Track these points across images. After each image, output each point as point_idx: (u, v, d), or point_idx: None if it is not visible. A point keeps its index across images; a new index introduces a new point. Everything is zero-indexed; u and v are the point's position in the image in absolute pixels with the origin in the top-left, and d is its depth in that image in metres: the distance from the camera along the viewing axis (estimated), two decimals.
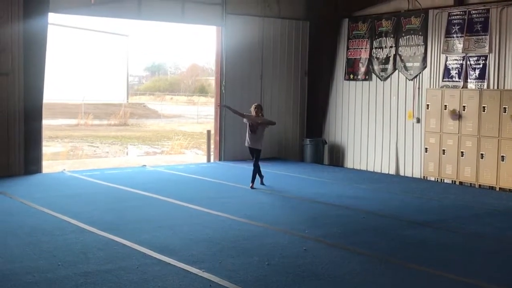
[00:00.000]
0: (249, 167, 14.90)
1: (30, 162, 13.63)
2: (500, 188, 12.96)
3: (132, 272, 6.74)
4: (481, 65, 13.52)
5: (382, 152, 15.81)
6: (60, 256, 7.31)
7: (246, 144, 12.40)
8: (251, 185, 12.21)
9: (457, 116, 13.45)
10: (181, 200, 10.84)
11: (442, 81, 14.31)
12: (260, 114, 12.27)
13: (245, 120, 12.36)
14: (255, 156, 12.28)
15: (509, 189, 12.81)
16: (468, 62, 13.77)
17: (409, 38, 15.04)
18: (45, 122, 17.04)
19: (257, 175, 12.39)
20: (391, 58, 15.46)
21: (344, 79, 16.77)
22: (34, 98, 13.60)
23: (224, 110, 15.98)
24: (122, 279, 6.50)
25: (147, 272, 6.75)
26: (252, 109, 12.32)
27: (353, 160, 16.62)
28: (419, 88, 14.85)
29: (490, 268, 7.35)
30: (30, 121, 13.57)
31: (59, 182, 12.88)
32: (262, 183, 12.49)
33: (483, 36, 13.45)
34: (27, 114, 13.52)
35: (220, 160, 16.42)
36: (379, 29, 15.77)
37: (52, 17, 13.94)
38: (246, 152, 16.14)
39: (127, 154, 22.76)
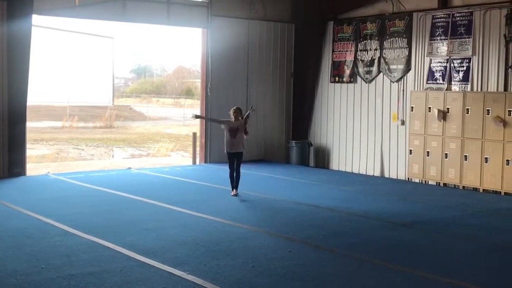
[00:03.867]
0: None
1: (14, 165, 13.54)
2: (483, 189, 13.05)
3: (116, 275, 6.71)
4: (464, 68, 13.62)
5: (367, 154, 15.87)
6: (44, 259, 7.27)
7: (227, 150, 11.68)
8: (233, 192, 11.65)
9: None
10: (166, 203, 10.81)
11: (426, 83, 14.40)
12: (240, 118, 11.66)
13: (223, 126, 11.80)
14: (237, 160, 11.63)
15: (493, 191, 12.91)
16: (452, 65, 13.86)
17: (393, 40, 15.12)
18: (30, 124, 16.97)
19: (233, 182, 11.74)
20: (376, 61, 15.53)
21: (330, 82, 16.81)
22: (18, 100, 13.52)
23: (210, 115, 15.98)
24: (106, 282, 6.48)
25: (131, 275, 6.73)
26: (231, 113, 11.66)
27: (338, 162, 16.67)
28: (403, 90, 14.93)
29: (473, 269, 7.41)
30: (14, 124, 13.49)
31: (43, 185, 12.81)
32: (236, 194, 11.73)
33: (467, 39, 13.55)
34: (11, 116, 13.44)
35: (205, 162, 16.40)
36: (364, 32, 15.84)
37: (36, 19, 13.89)
38: None
39: (112, 156, 22.67)
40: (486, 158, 12.99)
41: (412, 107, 14.45)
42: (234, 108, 11.82)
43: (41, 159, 19.83)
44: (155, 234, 8.57)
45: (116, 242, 8.02)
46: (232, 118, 11.67)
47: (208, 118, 12.39)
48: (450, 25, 13.87)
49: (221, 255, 7.62)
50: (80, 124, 34.12)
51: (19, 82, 13.49)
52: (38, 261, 7.16)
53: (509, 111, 12.61)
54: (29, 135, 15.16)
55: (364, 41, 15.84)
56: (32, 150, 20.47)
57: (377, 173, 15.60)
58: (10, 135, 13.45)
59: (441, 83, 14.07)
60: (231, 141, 11.57)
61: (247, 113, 11.89)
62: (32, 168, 15.34)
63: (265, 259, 7.47)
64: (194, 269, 6.96)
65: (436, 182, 13.99)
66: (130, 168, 15.61)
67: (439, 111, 13.71)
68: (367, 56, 15.77)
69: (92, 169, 16.12)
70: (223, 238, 8.48)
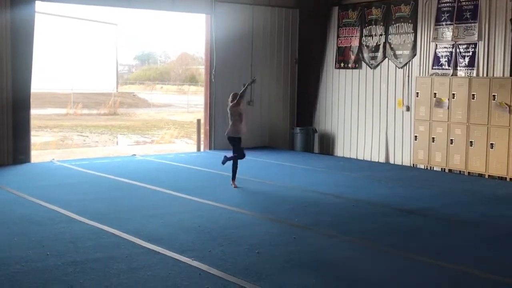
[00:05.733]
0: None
1: (19, 152, 13.55)
2: (489, 175, 13.01)
3: (121, 261, 6.71)
4: (470, 53, 13.53)
5: (372, 140, 15.82)
6: (49, 245, 7.27)
7: (225, 133, 11.42)
8: (233, 183, 11.21)
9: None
10: (171, 189, 10.81)
11: (432, 69, 14.31)
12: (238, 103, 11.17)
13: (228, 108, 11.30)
14: (236, 146, 11.23)
15: (498, 177, 12.86)
16: (457, 50, 13.77)
17: (398, 26, 15.01)
18: (34, 111, 16.96)
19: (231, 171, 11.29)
20: (381, 46, 15.44)
21: (335, 67, 16.73)
22: (22, 87, 13.51)
23: (214, 101, 15.95)
24: (111, 268, 6.48)
25: (136, 261, 6.73)
26: (230, 100, 11.31)
27: (343, 149, 16.63)
28: (408, 76, 14.85)
29: (479, 255, 7.39)
30: (19, 111, 13.48)
31: (48, 171, 12.81)
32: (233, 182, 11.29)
33: (473, 24, 13.45)
34: (15, 103, 13.42)
35: (210, 149, 16.39)
36: (369, 17, 15.74)
37: (39, 5, 13.82)
38: None
39: (117, 143, 22.68)
40: (491, 144, 12.93)
41: (417, 93, 14.38)
42: (232, 93, 11.42)
43: (45, 146, 19.83)
44: (160, 220, 8.57)
45: (121, 229, 8.02)
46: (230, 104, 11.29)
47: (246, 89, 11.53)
48: (455, 10, 13.76)
49: (226, 241, 7.61)
50: (84, 111, 34.12)
51: (23, 69, 13.47)
52: (43, 248, 7.17)
53: None
54: (33, 122, 15.14)
55: (369, 27, 15.74)
56: (36, 137, 20.48)
57: (382, 159, 15.56)
58: (14, 122, 13.44)
59: (446, 69, 13.98)
60: (230, 125, 11.25)
61: (247, 84, 11.45)
62: (37, 155, 15.36)
63: (270, 246, 7.46)
64: (199, 256, 6.95)
65: (441, 168, 13.94)
66: (135, 155, 15.61)
67: (436, 100, 13.66)
68: (372, 42, 15.68)
69: (97, 156, 16.12)
70: (228, 224, 8.48)
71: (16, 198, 10.00)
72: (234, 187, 11.17)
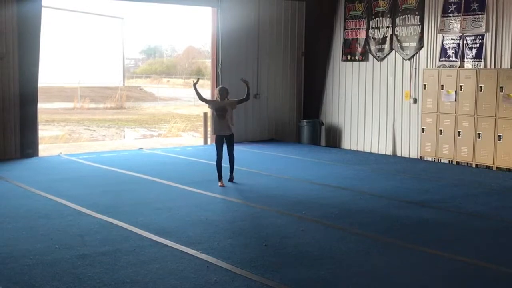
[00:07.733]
0: (245, 149, 14.93)
1: (27, 146, 13.60)
2: (497, 167, 12.97)
3: (129, 254, 6.74)
4: (478, 45, 13.46)
5: (379, 132, 15.79)
6: (57, 239, 7.30)
7: (216, 132, 10.90)
8: (220, 183, 10.74)
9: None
10: (178, 183, 10.83)
11: (439, 61, 14.25)
12: (226, 98, 10.88)
13: (209, 106, 11.18)
14: (230, 142, 10.90)
15: (506, 169, 12.82)
16: (465, 42, 13.71)
17: (405, 18, 14.95)
18: (41, 105, 17.02)
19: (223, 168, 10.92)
20: (388, 38, 15.39)
21: (342, 60, 16.69)
22: (29, 81, 13.55)
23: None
24: (119, 261, 6.50)
25: (144, 254, 6.75)
26: (217, 93, 10.98)
27: (350, 141, 16.61)
28: (416, 68, 14.79)
29: (486, 247, 7.37)
30: (26, 105, 13.51)
31: (55, 165, 12.85)
32: (231, 179, 11.07)
33: (480, 15, 13.38)
34: (23, 97, 13.46)
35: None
36: (376, 9, 15.68)
37: (46, 0, 13.82)
38: (243, 134, 16.14)
39: (124, 137, 22.71)
40: (499, 136, 12.88)
41: (424, 85, 14.33)
42: (220, 87, 11.10)
43: (54, 140, 19.89)
44: (167, 213, 8.59)
45: (129, 222, 8.05)
46: (218, 98, 10.97)
47: (197, 91, 10.99)
48: (463, 1, 13.68)
49: (233, 234, 7.63)
50: (91, 105, 34.17)
51: (30, 64, 13.50)
52: (51, 241, 7.20)
53: None
54: (40, 116, 15.17)
55: (376, 19, 15.68)
56: (44, 131, 20.54)
57: (389, 152, 15.53)
58: (22, 116, 13.49)
59: (454, 61, 13.92)
60: (220, 122, 10.78)
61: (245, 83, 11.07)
62: (44, 149, 15.41)
63: (277, 238, 7.47)
64: (207, 248, 6.97)
65: (449, 161, 13.91)
66: (142, 148, 15.63)
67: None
68: (379, 34, 15.62)
69: (104, 150, 16.16)
70: (235, 217, 8.49)
71: (24, 192, 10.04)
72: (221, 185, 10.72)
